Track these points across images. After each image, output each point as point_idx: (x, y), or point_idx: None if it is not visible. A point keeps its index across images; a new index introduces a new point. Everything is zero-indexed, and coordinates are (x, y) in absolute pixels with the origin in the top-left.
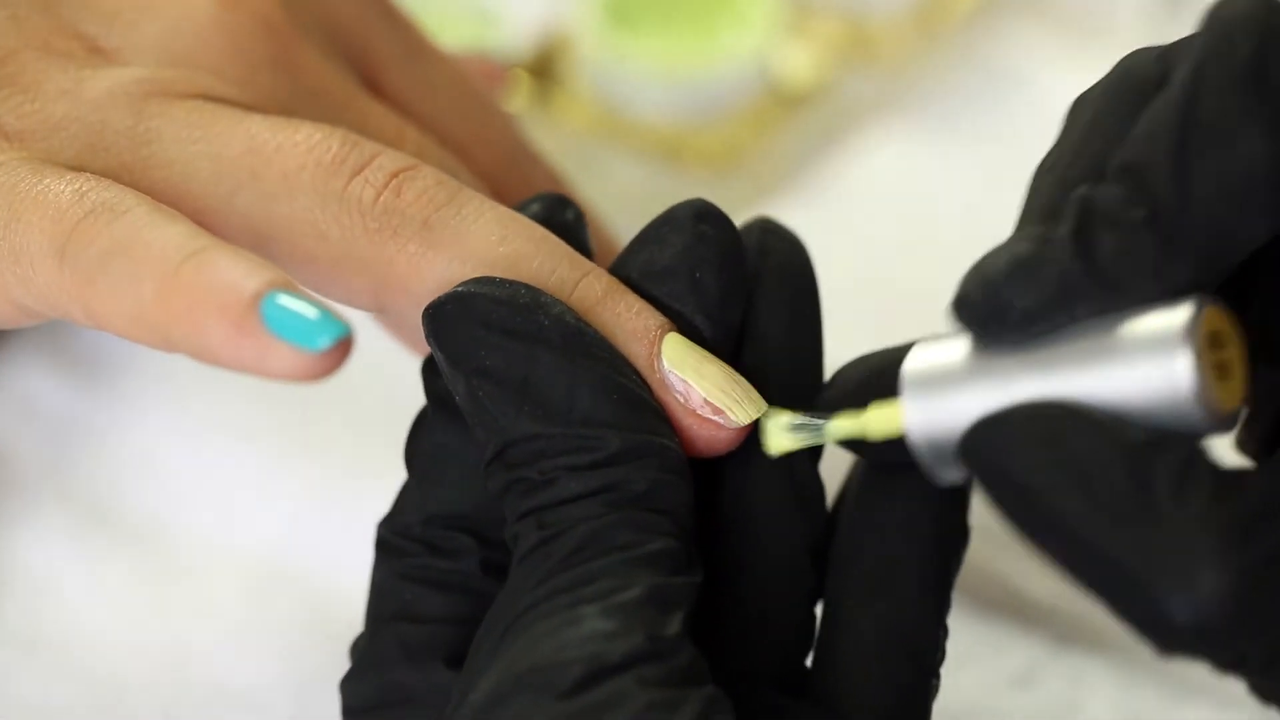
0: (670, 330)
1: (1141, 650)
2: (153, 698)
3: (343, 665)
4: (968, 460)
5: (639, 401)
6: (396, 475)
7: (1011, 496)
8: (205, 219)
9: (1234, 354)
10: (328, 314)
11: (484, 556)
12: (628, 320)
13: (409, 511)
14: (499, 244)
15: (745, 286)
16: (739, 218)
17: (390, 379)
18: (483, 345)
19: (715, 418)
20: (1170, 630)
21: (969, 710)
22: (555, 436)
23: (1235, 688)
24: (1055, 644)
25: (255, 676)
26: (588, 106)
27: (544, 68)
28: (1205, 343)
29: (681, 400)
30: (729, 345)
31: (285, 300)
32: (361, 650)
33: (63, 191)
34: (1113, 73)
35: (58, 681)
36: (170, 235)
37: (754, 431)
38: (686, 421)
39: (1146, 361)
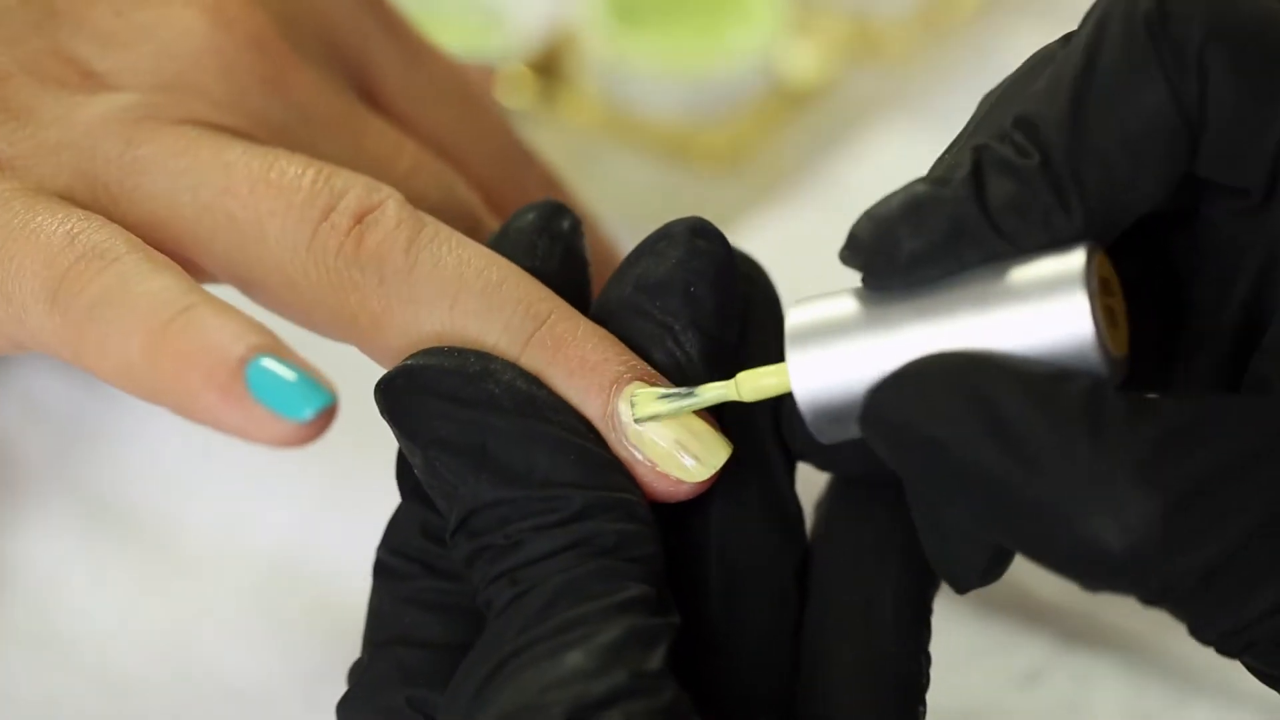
0: (630, 380)
1: (1149, 649)
2: (160, 695)
3: (348, 660)
4: (867, 424)
5: (597, 459)
6: None
7: (919, 453)
8: (188, 253)
9: (1118, 303)
10: (313, 382)
11: None
12: (580, 378)
13: (405, 529)
14: (452, 303)
15: (740, 304)
16: (745, 215)
17: None
18: (436, 416)
19: (674, 474)
20: (1102, 562)
21: (976, 709)
22: (518, 500)
23: (1242, 685)
24: (1062, 643)
25: (262, 674)
26: (593, 104)
27: (550, 66)
28: (1098, 287)
29: (640, 458)
30: (724, 360)
31: (270, 365)
32: (360, 674)
33: (54, 232)
34: (1023, 63)
35: (66, 680)
36: (159, 289)
37: (732, 460)
38: (647, 478)
39: (1042, 304)
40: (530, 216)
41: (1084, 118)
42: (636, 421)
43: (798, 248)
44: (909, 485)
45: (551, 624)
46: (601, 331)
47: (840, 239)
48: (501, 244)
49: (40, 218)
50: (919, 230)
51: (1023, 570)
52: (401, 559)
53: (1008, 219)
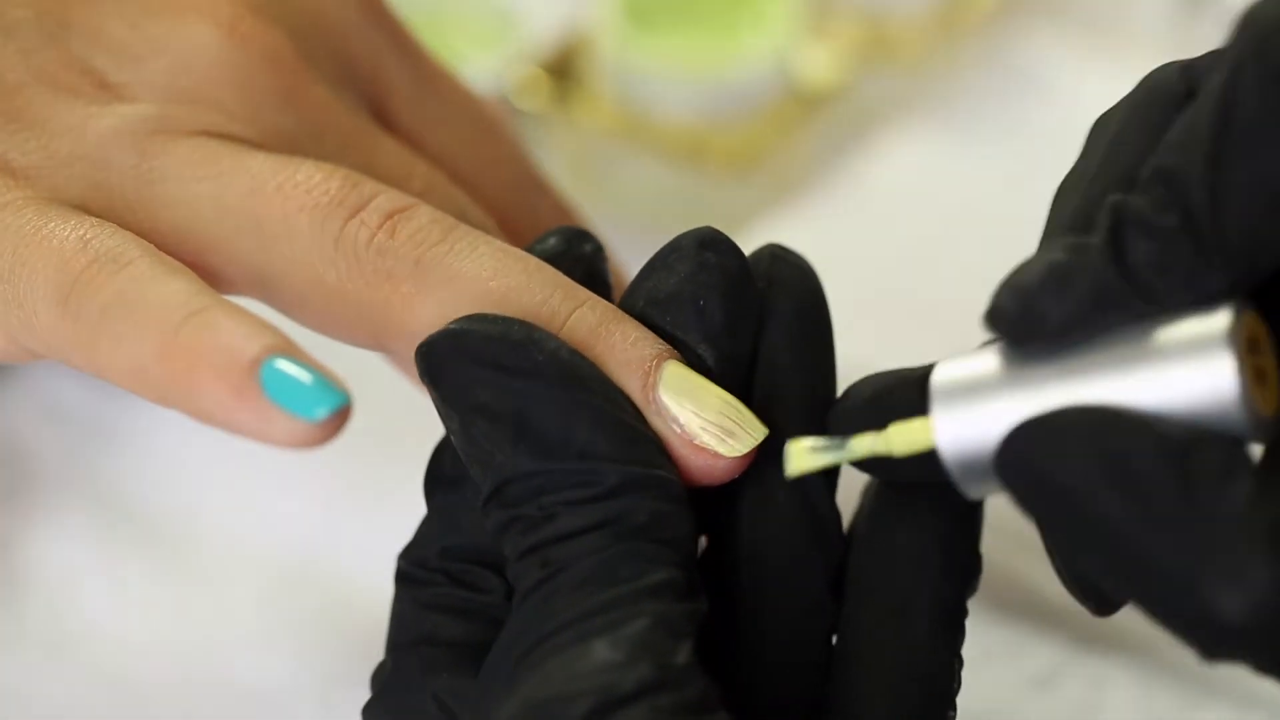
0: (669, 358)
1: (1162, 652)
2: (175, 698)
3: (365, 664)
4: (1004, 467)
5: (635, 434)
6: (419, 476)
7: (1052, 501)
8: (208, 258)
9: (1268, 361)
10: (326, 382)
11: (507, 588)
12: (621, 351)
13: (428, 545)
14: (490, 279)
15: (755, 313)
16: (760, 218)
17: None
18: (477, 382)
19: (712, 447)
20: (1220, 630)
21: (989, 711)
22: (554, 472)
23: (1254, 689)
24: (1076, 645)
25: (277, 677)
26: (608, 107)
27: (564, 68)
28: (1245, 347)
29: (678, 431)
30: (737, 372)
31: (284, 366)
32: (384, 677)
33: (67, 237)
34: (1136, 89)
35: (80, 682)
36: (172, 292)
37: (767, 462)
38: (683, 452)
39: (1188, 365)
40: (552, 240)
41: (1224, 173)
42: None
43: (814, 250)
44: (1040, 528)
45: (579, 610)
46: (635, 320)
47: (855, 239)
48: None
49: (53, 224)
50: (1063, 300)
51: (1036, 573)
52: (423, 570)
53: (1150, 281)
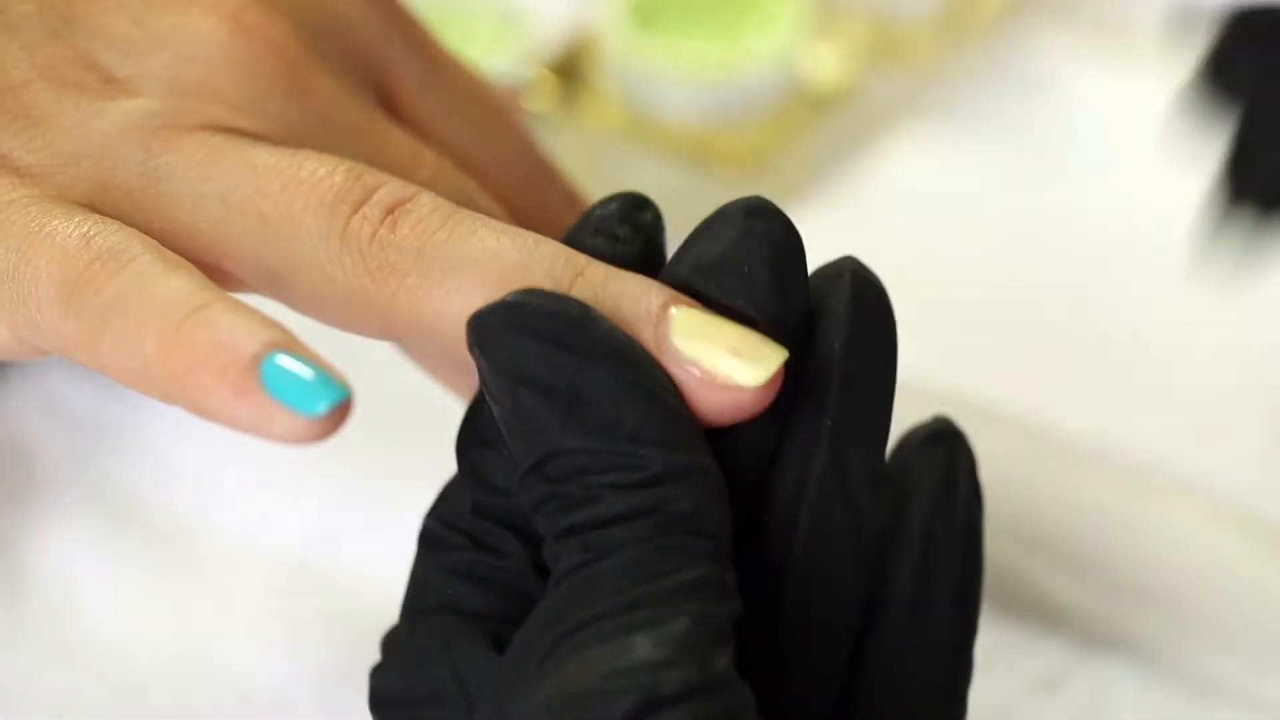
0: (675, 304)
1: (1168, 655)
2: (177, 698)
3: (366, 664)
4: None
5: (682, 419)
6: (424, 476)
7: None
8: (217, 258)
9: None
10: (327, 377)
11: (531, 556)
12: (628, 308)
13: (456, 503)
14: (492, 260)
15: (803, 284)
16: None
17: (419, 379)
18: (530, 355)
19: (732, 380)
20: None
21: (995, 715)
22: (601, 452)
23: (1261, 693)
24: (1081, 647)
25: (280, 676)
26: (614, 108)
27: (570, 69)
28: None
29: (696, 374)
30: (786, 339)
31: (285, 361)
32: (398, 642)
33: (70, 235)
34: None
35: (82, 681)
36: (173, 289)
37: (810, 452)
38: (704, 394)
39: None
40: (614, 205)
41: None
42: None
43: (819, 251)
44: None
45: (621, 600)
46: (637, 274)
47: (861, 241)
48: (583, 228)
49: (56, 221)
50: None
51: (1042, 574)
52: (449, 530)
53: None
